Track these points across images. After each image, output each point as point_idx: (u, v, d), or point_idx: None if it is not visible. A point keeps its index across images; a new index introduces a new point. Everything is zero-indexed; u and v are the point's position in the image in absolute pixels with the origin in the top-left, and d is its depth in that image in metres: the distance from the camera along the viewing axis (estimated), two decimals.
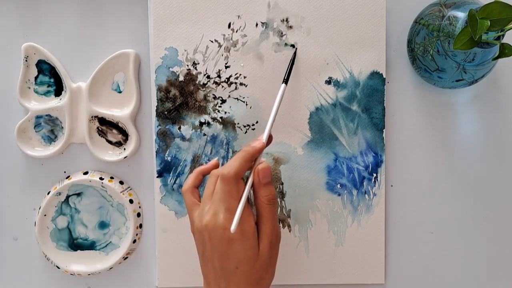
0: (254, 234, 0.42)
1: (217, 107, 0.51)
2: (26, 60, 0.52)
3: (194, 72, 0.51)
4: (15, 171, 0.54)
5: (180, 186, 0.51)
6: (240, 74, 0.51)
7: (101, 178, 0.52)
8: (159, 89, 0.51)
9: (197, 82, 0.51)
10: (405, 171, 0.52)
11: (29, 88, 0.53)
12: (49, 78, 0.53)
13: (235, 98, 0.51)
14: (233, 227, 0.39)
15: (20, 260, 0.54)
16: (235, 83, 0.51)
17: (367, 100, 0.51)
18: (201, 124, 0.51)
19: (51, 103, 0.53)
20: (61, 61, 0.52)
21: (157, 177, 0.52)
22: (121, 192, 0.52)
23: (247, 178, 0.43)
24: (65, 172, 0.53)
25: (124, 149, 0.52)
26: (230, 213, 0.41)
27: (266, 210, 0.42)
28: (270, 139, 0.45)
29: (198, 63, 0.51)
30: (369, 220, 0.52)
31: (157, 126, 0.51)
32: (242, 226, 0.41)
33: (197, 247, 0.44)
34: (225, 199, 0.41)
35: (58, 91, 0.53)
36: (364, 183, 0.52)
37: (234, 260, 0.41)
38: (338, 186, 0.52)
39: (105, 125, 0.52)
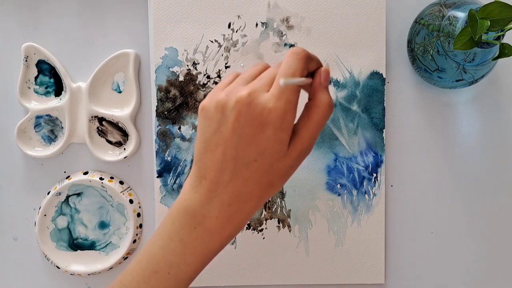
0: (291, 128, 0.34)
1: None
2: (26, 60, 0.52)
3: (194, 72, 0.51)
4: (15, 171, 0.54)
5: (180, 186, 0.51)
6: None
7: (101, 178, 0.52)
8: (159, 89, 0.51)
9: (197, 82, 0.51)
10: (405, 171, 0.52)
11: (29, 88, 0.53)
12: (49, 78, 0.53)
13: None
14: (285, 80, 0.32)
15: (20, 260, 0.54)
16: None
17: (367, 100, 0.51)
18: None
19: (51, 103, 0.53)
20: (61, 61, 0.52)
21: (157, 177, 0.51)
22: (121, 192, 0.52)
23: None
24: (65, 172, 0.53)
25: (124, 149, 0.52)
26: (280, 97, 0.33)
27: (318, 114, 0.35)
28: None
29: (198, 63, 0.51)
30: (369, 220, 0.52)
31: (157, 126, 0.51)
32: (287, 109, 0.33)
33: (202, 127, 0.36)
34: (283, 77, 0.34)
35: (58, 91, 0.53)
36: (364, 183, 0.52)
37: (257, 150, 0.34)
38: (338, 186, 0.52)
39: (105, 125, 0.52)
